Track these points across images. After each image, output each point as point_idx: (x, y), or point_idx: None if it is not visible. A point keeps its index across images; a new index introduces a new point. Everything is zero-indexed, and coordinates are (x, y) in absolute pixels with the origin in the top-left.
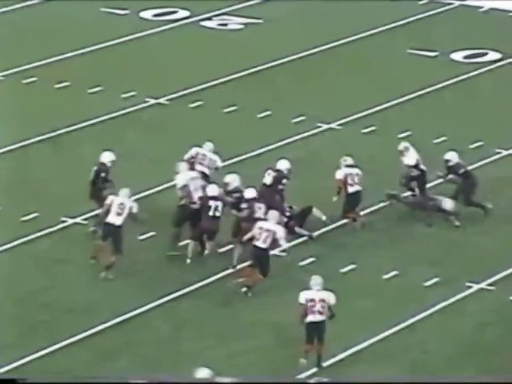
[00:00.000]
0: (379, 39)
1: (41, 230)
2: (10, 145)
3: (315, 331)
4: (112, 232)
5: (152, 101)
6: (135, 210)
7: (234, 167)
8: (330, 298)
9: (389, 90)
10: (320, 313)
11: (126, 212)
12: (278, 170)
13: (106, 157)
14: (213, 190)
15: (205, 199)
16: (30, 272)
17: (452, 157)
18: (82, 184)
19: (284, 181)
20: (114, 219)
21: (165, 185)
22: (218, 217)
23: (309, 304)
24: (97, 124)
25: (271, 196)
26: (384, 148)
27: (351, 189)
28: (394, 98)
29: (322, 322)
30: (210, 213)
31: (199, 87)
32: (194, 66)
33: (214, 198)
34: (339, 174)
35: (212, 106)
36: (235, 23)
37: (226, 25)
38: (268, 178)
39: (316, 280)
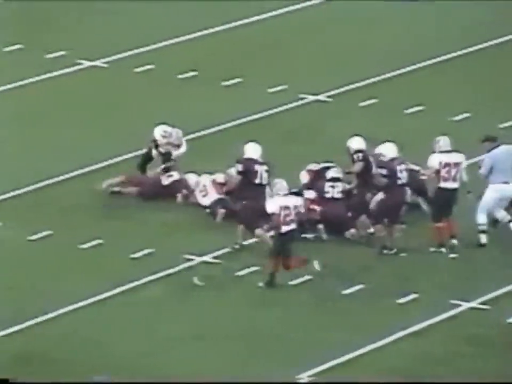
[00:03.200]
0: None
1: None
2: None
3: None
4: None
5: (310, 97)
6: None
7: None
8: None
9: None
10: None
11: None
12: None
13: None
14: None
15: None
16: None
17: None
18: None
19: None
20: None
21: None
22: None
23: (283, 212)
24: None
25: None
26: None
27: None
28: None
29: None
30: None
31: (371, 81)
32: (363, 53)
33: None
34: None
35: (387, 105)
36: None
37: None
38: None
39: (282, 184)
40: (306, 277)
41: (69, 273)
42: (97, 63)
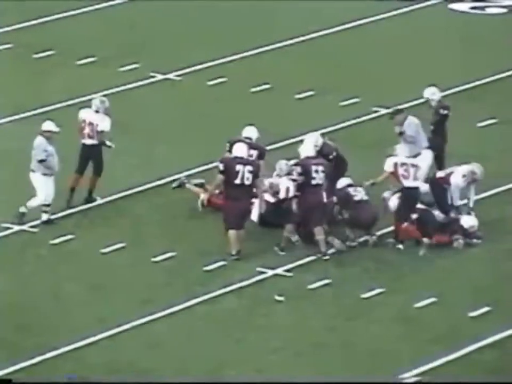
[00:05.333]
0: None
1: None
2: None
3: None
4: None
5: (383, 110)
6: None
7: None
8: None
9: None
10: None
11: None
12: None
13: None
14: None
15: None
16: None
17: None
18: None
19: None
20: None
21: None
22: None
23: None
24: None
25: None
26: None
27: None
28: None
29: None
30: None
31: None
32: (440, 62)
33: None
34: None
35: (459, 118)
36: (496, 5)
37: (484, 8)
38: None
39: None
40: (379, 290)
41: (143, 285)
42: (170, 75)
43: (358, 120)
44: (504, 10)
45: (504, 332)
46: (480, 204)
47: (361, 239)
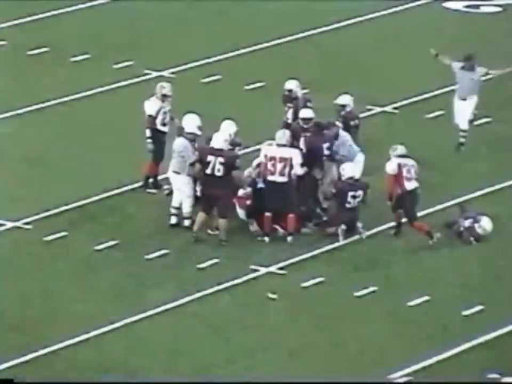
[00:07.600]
0: None
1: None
2: None
3: None
4: None
5: (377, 109)
6: None
7: None
8: None
9: None
10: None
11: None
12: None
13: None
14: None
15: None
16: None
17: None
18: None
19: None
20: None
21: None
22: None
23: None
24: None
25: None
26: None
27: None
28: None
29: None
30: None
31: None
32: (433, 60)
33: None
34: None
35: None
36: (490, 4)
37: (479, 7)
38: None
39: None
40: (372, 288)
41: (135, 283)
42: (164, 73)
43: None
44: (499, 9)
45: (497, 331)
46: (471, 204)
47: (353, 239)
